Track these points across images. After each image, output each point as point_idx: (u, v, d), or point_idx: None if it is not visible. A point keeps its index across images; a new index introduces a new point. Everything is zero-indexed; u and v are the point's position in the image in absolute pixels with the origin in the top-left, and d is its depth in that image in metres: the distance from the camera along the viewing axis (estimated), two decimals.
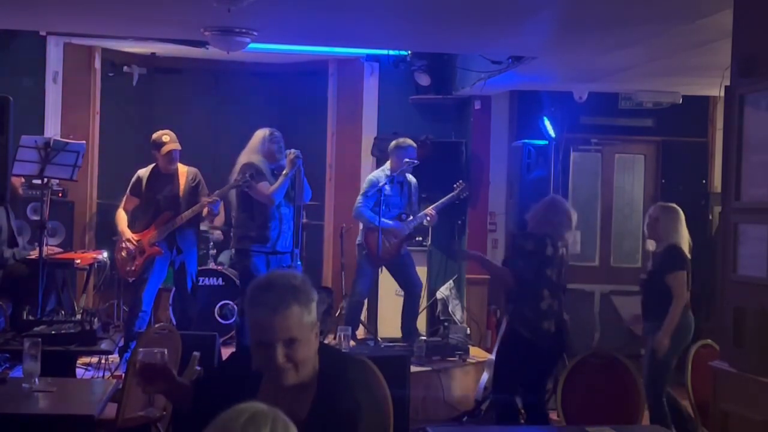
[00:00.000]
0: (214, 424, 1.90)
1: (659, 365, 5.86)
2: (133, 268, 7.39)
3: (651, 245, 6.45)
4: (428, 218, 7.80)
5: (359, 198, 7.82)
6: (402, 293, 8.18)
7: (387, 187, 7.71)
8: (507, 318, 6.02)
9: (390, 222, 7.71)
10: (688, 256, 6.04)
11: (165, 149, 7.36)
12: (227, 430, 1.87)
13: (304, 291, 2.68)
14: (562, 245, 5.79)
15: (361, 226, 7.89)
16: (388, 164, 7.88)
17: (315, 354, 2.72)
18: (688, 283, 5.95)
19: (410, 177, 7.92)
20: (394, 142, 7.89)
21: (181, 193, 7.42)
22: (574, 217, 5.89)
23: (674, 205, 6.30)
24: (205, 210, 7.41)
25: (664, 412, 5.84)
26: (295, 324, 2.63)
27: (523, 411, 5.94)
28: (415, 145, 7.86)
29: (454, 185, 7.95)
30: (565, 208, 5.88)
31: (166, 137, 7.41)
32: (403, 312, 7.95)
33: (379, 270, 7.87)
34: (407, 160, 7.78)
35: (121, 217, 7.50)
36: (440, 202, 7.86)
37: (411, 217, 7.81)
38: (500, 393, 5.79)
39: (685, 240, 6.10)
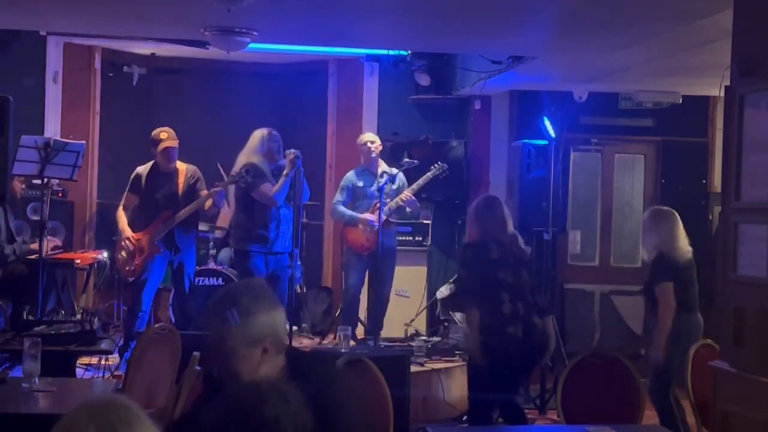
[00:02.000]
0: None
1: (661, 373, 5.81)
2: (133, 267, 7.40)
3: (644, 252, 6.35)
4: (403, 201, 7.77)
5: (335, 197, 8.00)
6: (405, 293, 8.21)
7: (359, 180, 7.87)
8: None
9: (357, 215, 7.78)
10: (682, 259, 5.91)
11: (161, 147, 7.35)
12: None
13: (241, 303, 2.66)
14: (511, 243, 5.51)
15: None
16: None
17: (269, 365, 2.68)
18: (684, 287, 5.86)
19: (393, 170, 7.96)
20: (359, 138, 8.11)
21: (180, 192, 7.42)
22: (507, 213, 5.62)
23: (664, 208, 6.18)
24: (208, 203, 7.38)
25: (672, 413, 5.82)
26: (219, 335, 2.64)
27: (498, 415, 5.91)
28: (368, 138, 7.98)
29: (433, 165, 7.97)
30: (497, 205, 5.64)
31: (164, 134, 7.41)
32: (373, 307, 7.98)
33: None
34: (406, 160, 7.92)
35: (122, 216, 7.50)
36: (417, 183, 7.87)
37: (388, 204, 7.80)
38: (474, 402, 5.55)
39: (678, 244, 5.94)
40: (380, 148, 8.00)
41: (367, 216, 7.73)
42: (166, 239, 7.38)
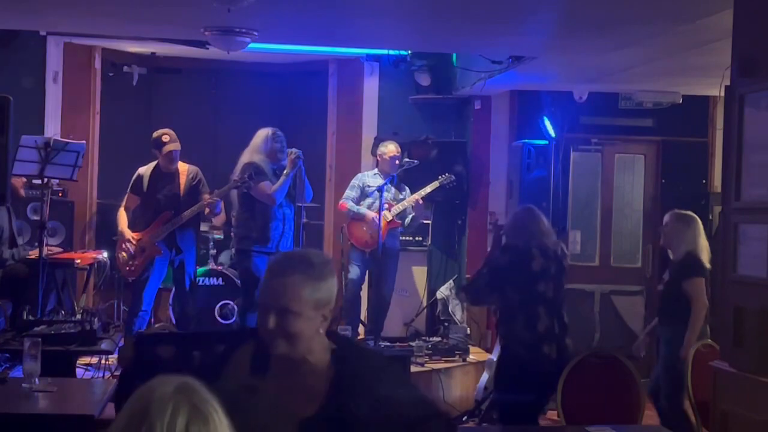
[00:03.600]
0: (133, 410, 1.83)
1: (680, 374, 5.61)
2: (132, 267, 7.39)
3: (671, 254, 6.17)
4: (412, 206, 7.86)
5: (345, 193, 8.09)
6: (404, 293, 8.21)
7: (371, 181, 7.96)
8: (501, 340, 5.42)
9: (365, 210, 7.87)
10: (707, 264, 5.85)
11: (165, 149, 7.37)
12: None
13: (315, 265, 2.61)
14: (556, 256, 5.22)
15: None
16: (376, 168, 8.15)
17: (321, 337, 2.64)
18: (708, 289, 5.78)
19: (404, 186, 8.10)
20: (383, 148, 8.09)
21: (181, 192, 7.43)
22: (548, 221, 5.40)
23: (689, 214, 6.11)
24: (207, 209, 7.41)
25: (683, 416, 5.70)
26: (291, 293, 2.57)
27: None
28: (397, 152, 8.04)
29: (440, 176, 8.03)
30: (539, 213, 5.40)
31: (166, 137, 7.42)
32: (374, 307, 8.00)
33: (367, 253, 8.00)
34: (407, 160, 7.98)
35: (122, 217, 7.50)
36: (423, 190, 7.95)
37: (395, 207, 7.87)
38: (503, 410, 5.36)
39: (703, 248, 5.90)
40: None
41: (374, 215, 7.77)
42: (167, 240, 7.38)
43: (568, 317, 5.36)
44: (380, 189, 7.65)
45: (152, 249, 7.35)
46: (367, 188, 7.98)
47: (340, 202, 8.11)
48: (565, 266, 5.31)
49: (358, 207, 7.94)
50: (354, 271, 7.98)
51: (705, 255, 5.93)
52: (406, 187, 8.12)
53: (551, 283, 5.16)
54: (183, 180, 7.46)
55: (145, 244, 7.36)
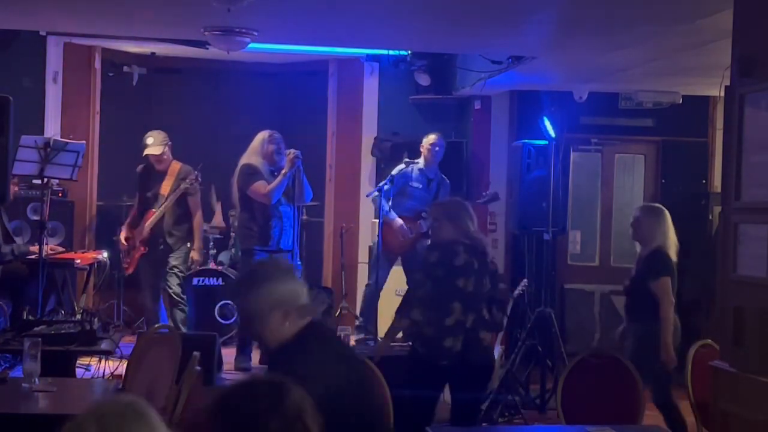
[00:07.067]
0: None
1: (661, 374, 5.62)
2: (127, 263, 7.77)
3: (638, 247, 6.11)
4: None
5: (384, 181, 7.97)
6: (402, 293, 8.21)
7: (416, 181, 7.97)
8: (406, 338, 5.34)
9: (397, 218, 7.86)
10: (674, 259, 5.81)
11: (144, 153, 7.57)
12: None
13: (243, 283, 3.27)
14: (479, 251, 5.07)
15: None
16: (421, 159, 8.12)
17: (285, 330, 3.04)
18: (674, 286, 5.75)
19: (444, 177, 8.13)
20: (424, 139, 8.16)
21: (166, 192, 7.51)
22: (474, 218, 5.26)
23: (658, 206, 6.10)
24: (187, 185, 7.47)
25: (679, 414, 5.70)
26: (247, 306, 3.13)
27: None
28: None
29: (483, 193, 8.16)
30: (466, 205, 5.31)
31: (150, 139, 7.60)
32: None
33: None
34: (407, 160, 8.10)
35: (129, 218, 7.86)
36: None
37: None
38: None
39: (671, 242, 5.84)
40: None
41: (401, 222, 7.86)
42: (154, 239, 7.55)
43: (568, 317, 5.32)
44: (380, 189, 7.67)
45: (141, 246, 7.57)
46: (410, 188, 7.93)
47: (376, 194, 7.90)
48: (488, 262, 5.14)
49: (388, 211, 7.82)
50: (383, 275, 7.92)
51: (673, 250, 5.85)
52: (446, 179, 8.12)
53: (472, 278, 5.02)
54: (171, 181, 7.53)
55: (135, 240, 7.67)
